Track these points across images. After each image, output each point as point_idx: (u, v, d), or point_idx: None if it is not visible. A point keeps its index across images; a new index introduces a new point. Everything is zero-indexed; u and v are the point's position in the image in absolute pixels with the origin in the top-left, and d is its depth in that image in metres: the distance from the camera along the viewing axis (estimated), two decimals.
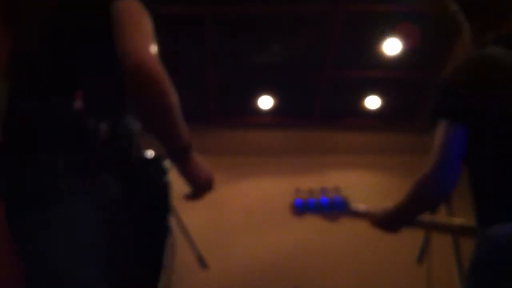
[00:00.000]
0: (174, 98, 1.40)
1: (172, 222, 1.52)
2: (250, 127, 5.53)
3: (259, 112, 5.42)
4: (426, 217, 1.82)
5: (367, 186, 5.07)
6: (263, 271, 4.90)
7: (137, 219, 1.46)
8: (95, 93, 1.43)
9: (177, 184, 1.50)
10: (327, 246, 4.97)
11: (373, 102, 5.28)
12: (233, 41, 4.58)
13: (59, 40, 1.50)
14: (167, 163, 1.50)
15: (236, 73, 4.97)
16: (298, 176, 5.02)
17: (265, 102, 5.30)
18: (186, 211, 2.54)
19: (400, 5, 4.12)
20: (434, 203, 1.67)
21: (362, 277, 4.88)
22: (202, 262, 2.90)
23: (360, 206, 1.88)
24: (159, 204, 1.49)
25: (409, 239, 2.63)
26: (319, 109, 5.35)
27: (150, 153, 1.51)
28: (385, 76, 4.97)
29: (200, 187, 1.51)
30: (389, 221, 1.73)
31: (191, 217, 2.90)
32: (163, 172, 1.50)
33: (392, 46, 4.57)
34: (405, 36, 4.44)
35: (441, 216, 2.26)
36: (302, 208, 1.89)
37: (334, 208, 1.87)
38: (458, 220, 1.93)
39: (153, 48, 1.41)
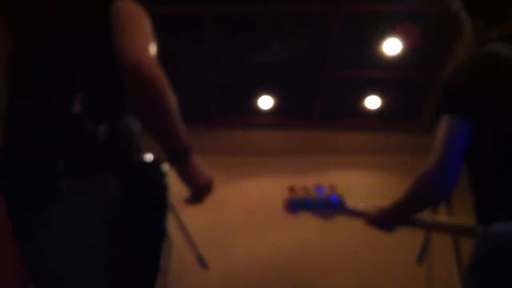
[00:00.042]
0: (172, 99, 1.40)
1: (172, 222, 1.52)
2: (250, 127, 5.53)
3: (259, 112, 5.42)
4: (426, 217, 1.81)
5: (367, 186, 5.08)
6: (263, 271, 4.90)
7: (137, 219, 1.46)
8: (95, 93, 1.43)
9: (177, 184, 1.50)
10: (327, 246, 4.97)
11: (373, 102, 5.28)
12: (233, 41, 4.58)
13: (59, 40, 1.50)
14: (166, 166, 1.50)
15: (236, 73, 4.97)
16: (298, 176, 5.02)
17: (265, 102, 5.31)
18: (186, 211, 2.53)
19: (400, 5, 4.12)
20: (433, 203, 1.66)
21: (362, 277, 4.88)
22: (202, 262, 2.90)
23: (355, 204, 1.84)
24: (158, 204, 1.49)
25: (409, 239, 2.63)
26: (319, 109, 5.35)
27: (149, 156, 1.52)
28: (385, 76, 4.97)
29: (199, 190, 1.51)
30: (385, 220, 1.71)
31: (191, 217, 2.90)
32: (162, 175, 1.50)
33: (392, 46, 4.57)
34: (405, 36, 4.44)
35: (441, 216, 2.26)
36: (296, 205, 1.84)
37: (329, 206, 1.82)
38: (458, 220, 1.92)
39: (152, 49, 1.41)
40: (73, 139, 1.38)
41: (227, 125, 5.52)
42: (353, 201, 1.86)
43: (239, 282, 4.82)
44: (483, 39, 1.64)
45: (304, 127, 5.51)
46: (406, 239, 2.71)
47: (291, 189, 1.84)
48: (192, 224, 2.82)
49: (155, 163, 1.50)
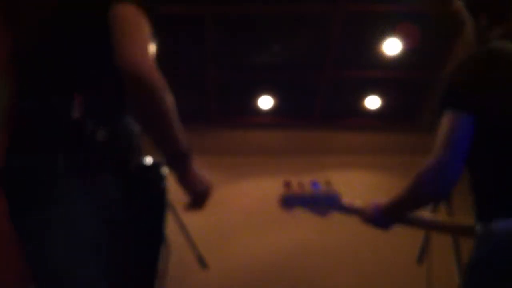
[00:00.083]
0: (170, 102, 1.40)
1: (172, 222, 1.52)
2: (250, 127, 5.53)
3: (259, 112, 5.42)
4: (425, 216, 1.80)
5: (367, 186, 5.08)
6: (263, 271, 4.90)
7: (137, 219, 1.46)
8: (95, 93, 1.43)
9: (177, 185, 1.50)
10: (327, 246, 4.97)
11: (373, 102, 5.28)
12: (233, 41, 4.58)
13: (59, 40, 1.50)
14: (165, 170, 1.50)
15: (236, 73, 4.97)
16: (298, 176, 4.96)
17: (265, 102, 5.30)
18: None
19: (400, 5, 4.12)
20: (432, 202, 1.65)
21: (362, 277, 4.88)
22: (202, 262, 2.90)
23: (351, 201, 1.79)
24: (158, 204, 1.50)
25: (409, 239, 2.63)
26: (319, 109, 5.35)
27: (148, 160, 1.52)
28: (385, 76, 4.97)
29: (198, 197, 1.52)
30: (382, 218, 1.69)
31: (191, 217, 2.88)
32: (162, 177, 1.50)
33: (392, 46, 4.57)
34: (405, 36, 4.44)
35: (441, 216, 2.26)
36: (291, 201, 1.77)
37: (324, 202, 1.76)
38: (458, 220, 1.92)
39: (150, 52, 1.41)
40: (73, 139, 1.38)
41: (227, 125, 5.51)
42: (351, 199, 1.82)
43: (239, 282, 4.82)
44: (484, 39, 1.64)
45: (304, 127, 5.51)
46: (406, 239, 2.71)
47: (287, 184, 1.78)
48: (192, 224, 2.81)
49: (155, 166, 1.51)
